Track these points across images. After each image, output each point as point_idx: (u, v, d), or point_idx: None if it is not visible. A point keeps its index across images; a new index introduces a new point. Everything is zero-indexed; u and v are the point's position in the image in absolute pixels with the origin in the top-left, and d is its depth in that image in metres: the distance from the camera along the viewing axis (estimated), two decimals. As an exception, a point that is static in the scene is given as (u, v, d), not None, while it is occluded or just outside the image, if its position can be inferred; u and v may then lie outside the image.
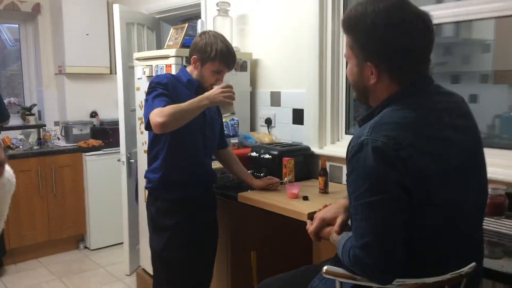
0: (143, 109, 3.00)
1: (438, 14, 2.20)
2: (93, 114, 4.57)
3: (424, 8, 2.29)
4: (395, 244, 1.16)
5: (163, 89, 2.02)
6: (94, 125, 4.47)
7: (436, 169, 1.18)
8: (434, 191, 1.18)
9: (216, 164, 2.47)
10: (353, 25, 1.26)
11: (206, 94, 1.99)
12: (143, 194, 3.12)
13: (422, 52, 1.26)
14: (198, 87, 2.15)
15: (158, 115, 1.89)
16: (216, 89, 2.00)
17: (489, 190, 1.87)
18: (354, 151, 1.20)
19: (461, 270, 1.24)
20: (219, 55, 2.08)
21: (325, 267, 1.28)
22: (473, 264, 1.26)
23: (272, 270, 1.98)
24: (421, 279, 1.21)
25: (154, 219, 2.20)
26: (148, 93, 2.06)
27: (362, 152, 1.17)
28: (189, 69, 2.19)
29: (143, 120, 2.07)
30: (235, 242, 2.49)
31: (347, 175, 1.25)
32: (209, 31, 2.22)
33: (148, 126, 1.98)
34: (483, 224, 1.41)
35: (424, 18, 1.23)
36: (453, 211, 1.22)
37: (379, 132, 1.17)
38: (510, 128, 2.48)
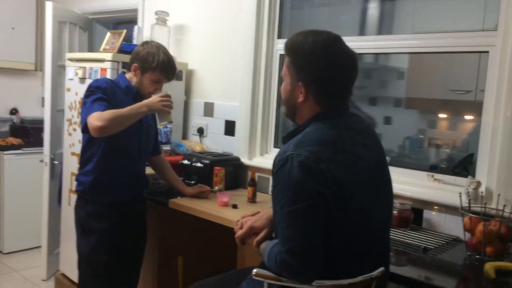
0: (73, 110, 2.97)
1: (360, 45, 2.45)
2: (13, 111, 4.35)
3: (348, 38, 2.55)
4: (316, 247, 1.32)
5: (102, 93, 2.04)
6: (14, 122, 4.26)
7: (350, 180, 1.35)
8: (348, 199, 1.35)
9: (147, 170, 2.51)
10: (294, 49, 1.43)
11: (146, 101, 2.05)
12: (67, 196, 3.06)
13: (345, 83, 1.45)
14: (136, 94, 2.19)
15: (97, 118, 1.91)
16: (155, 97, 2.06)
17: (398, 204, 2.12)
18: (279, 164, 1.35)
19: (372, 273, 1.42)
20: (160, 66, 2.14)
21: (254, 270, 1.40)
22: (381, 268, 1.45)
23: (198, 275, 2.06)
24: (338, 280, 1.36)
25: (83, 222, 2.19)
26: (86, 96, 2.06)
27: (287, 165, 1.32)
28: (128, 75, 2.23)
29: (81, 122, 2.07)
30: (162, 247, 2.53)
31: (273, 186, 1.40)
32: (152, 41, 2.28)
33: (85, 129, 1.99)
34: (391, 234, 1.61)
35: (352, 56, 1.43)
36: (365, 217, 1.40)
37: (302, 147, 1.33)
38: (417, 149, 2.78)
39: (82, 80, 2.88)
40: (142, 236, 2.36)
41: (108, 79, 2.23)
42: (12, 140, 4.03)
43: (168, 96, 2.10)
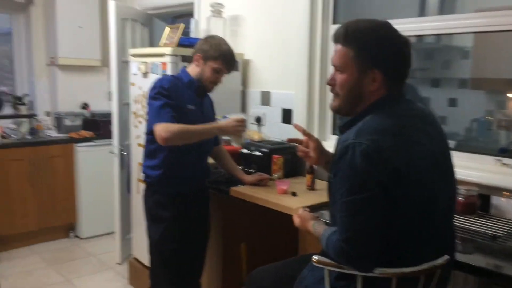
0: (138, 104, 3.12)
1: (421, 26, 2.36)
2: (84, 106, 4.63)
3: (407, 20, 2.46)
4: (374, 237, 1.33)
5: (166, 96, 2.15)
6: (85, 116, 4.54)
7: (412, 168, 1.34)
8: (410, 187, 1.33)
9: (208, 160, 2.60)
10: (360, 36, 1.41)
11: (220, 124, 2.23)
12: (135, 185, 3.24)
13: (408, 66, 1.44)
14: (198, 88, 2.29)
15: (164, 130, 2.05)
16: (230, 122, 2.22)
17: (463, 190, 2.06)
18: (340, 153, 1.35)
19: (435, 261, 1.40)
20: (222, 55, 2.24)
21: (315, 257, 1.44)
22: (446, 256, 1.42)
23: (261, 261, 2.12)
24: (400, 268, 1.36)
25: (151, 211, 2.33)
26: (152, 98, 2.17)
27: (348, 154, 1.32)
28: (189, 68, 2.32)
29: (147, 124, 2.21)
30: (226, 234, 2.63)
31: (333, 174, 1.41)
32: (214, 35, 2.38)
33: (151, 133, 2.14)
34: (457, 222, 1.58)
35: (408, 39, 1.44)
36: (427, 206, 1.38)
37: (363, 136, 1.32)
38: (485, 132, 2.66)
39: (145, 74, 3.01)
40: (206, 224, 2.46)
41: (171, 76, 2.34)
42: (84, 133, 4.31)
43: (242, 121, 2.23)
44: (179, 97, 2.19)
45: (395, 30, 1.43)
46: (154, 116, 2.14)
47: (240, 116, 2.27)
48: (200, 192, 2.42)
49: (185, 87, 2.27)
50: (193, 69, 2.31)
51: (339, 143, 1.41)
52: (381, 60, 1.40)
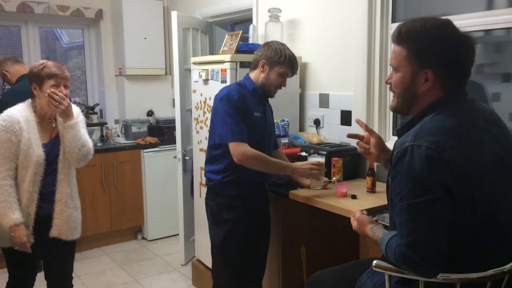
0: (199, 110, 3.21)
1: (489, 20, 2.25)
2: (150, 113, 4.85)
3: (474, 14, 2.35)
4: (438, 241, 1.28)
5: (236, 109, 2.22)
6: (151, 123, 4.75)
7: (475, 170, 1.29)
8: (474, 190, 1.28)
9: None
10: (414, 36, 1.39)
11: (295, 165, 2.31)
12: (198, 189, 3.34)
13: (467, 65, 1.40)
14: (261, 95, 2.36)
15: (242, 153, 2.19)
16: (306, 164, 2.31)
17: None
18: (398, 156, 1.33)
19: (504, 267, 1.33)
20: (288, 60, 2.31)
21: (375, 261, 1.41)
22: (515, 262, 1.35)
23: (321, 264, 2.12)
24: (465, 274, 1.31)
25: (214, 213, 2.40)
26: (223, 109, 2.24)
27: (407, 157, 1.30)
28: (252, 75, 2.38)
29: (214, 134, 2.31)
30: (285, 237, 2.64)
31: (392, 178, 1.38)
32: (274, 41, 2.42)
33: (221, 145, 2.26)
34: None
35: (469, 38, 1.39)
36: (492, 209, 1.32)
37: (422, 137, 1.30)
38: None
39: (206, 81, 3.11)
40: (267, 225, 2.49)
41: (237, 84, 2.40)
42: (150, 139, 4.51)
43: (320, 164, 2.33)
44: (246, 105, 2.27)
45: (454, 29, 1.38)
46: (225, 128, 2.22)
47: (317, 159, 2.38)
48: (261, 194, 2.46)
49: (250, 94, 2.33)
50: (256, 76, 2.36)
51: (396, 146, 1.38)
52: (433, 60, 1.37)
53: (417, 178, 1.28)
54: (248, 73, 2.43)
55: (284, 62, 2.30)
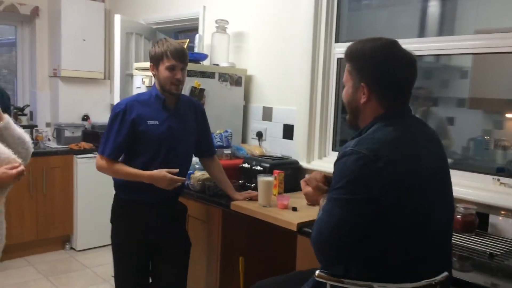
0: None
1: (420, 46, 2.42)
2: (85, 118, 4.66)
3: (408, 40, 2.52)
4: (340, 239, 1.38)
5: (118, 124, 2.22)
6: (86, 128, 4.56)
7: (407, 182, 1.37)
8: (403, 199, 1.36)
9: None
10: (354, 54, 1.51)
11: (151, 173, 2.22)
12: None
13: (405, 84, 1.50)
14: (164, 100, 2.31)
15: (100, 165, 2.27)
16: (163, 173, 2.21)
17: (461, 209, 2.08)
18: (339, 157, 1.43)
19: (435, 278, 1.42)
20: (167, 50, 2.23)
21: (317, 272, 1.45)
22: (445, 273, 1.44)
23: (258, 275, 2.13)
24: (400, 284, 1.38)
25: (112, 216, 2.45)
26: (109, 122, 2.27)
27: (344, 158, 1.39)
28: (156, 82, 2.34)
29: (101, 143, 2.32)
30: (224, 248, 2.63)
31: (332, 175, 1.47)
32: (158, 39, 2.40)
33: (132, 158, 2.29)
34: (456, 239, 1.60)
35: (411, 57, 1.49)
36: (423, 219, 1.41)
37: (362, 145, 1.38)
38: (482, 151, 2.69)
39: (149, 88, 3.04)
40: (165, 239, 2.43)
41: (132, 97, 2.39)
42: (84, 144, 4.32)
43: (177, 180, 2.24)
44: (139, 115, 2.23)
45: (391, 48, 1.48)
46: (105, 138, 2.26)
47: (266, 179, 2.39)
48: (163, 205, 2.38)
49: (153, 102, 2.29)
50: (155, 81, 2.32)
51: (341, 149, 1.47)
52: (367, 75, 1.48)
53: (347, 177, 1.37)
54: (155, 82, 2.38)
55: (163, 56, 2.22)
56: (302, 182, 1.71)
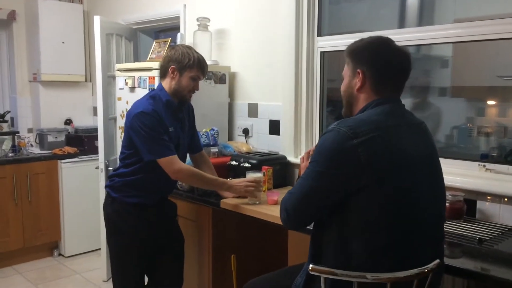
0: (125, 118, 3.10)
1: (401, 37, 2.44)
2: (68, 122, 4.59)
3: (388, 32, 2.53)
4: (307, 209, 1.49)
5: (157, 123, 2.16)
6: (69, 132, 4.50)
7: (383, 162, 1.39)
8: (382, 179, 1.38)
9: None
10: (352, 48, 1.59)
11: (231, 183, 2.31)
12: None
13: (399, 72, 1.54)
14: (176, 108, 2.30)
15: (177, 171, 2.19)
16: (242, 181, 2.32)
17: (449, 196, 2.11)
18: (322, 134, 1.50)
19: (427, 266, 1.43)
20: (196, 63, 2.25)
21: (310, 266, 1.45)
22: (437, 260, 1.46)
23: (251, 273, 2.13)
24: (393, 273, 1.39)
25: (110, 220, 2.36)
26: (142, 124, 2.15)
27: (326, 134, 1.45)
28: (164, 82, 2.29)
29: (143, 152, 2.18)
30: (216, 246, 2.62)
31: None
32: (179, 44, 2.38)
33: (151, 162, 2.18)
34: (445, 226, 1.61)
35: (405, 51, 1.55)
36: (405, 204, 1.42)
37: (344, 123, 1.43)
38: (466, 138, 2.73)
39: (132, 89, 3.02)
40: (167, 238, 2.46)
41: (150, 98, 2.26)
42: (68, 149, 4.26)
43: (255, 181, 2.35)
44: (162, 122, 2.20)
45: (387, 42, 1.55)
46: (150, 145, 2.16)
47: (255, 175, 2.40)
48: (163, 205, 2.41)
49: (164, 108, 2.25)
50: (168, 83, 2.28)
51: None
52: (363, 62, 1.53)
53: (324, 152, 1.43)
54: (160, 82, 2.34)
55: (193, 65, 2.23)
56: (300, 159, 1.85)
